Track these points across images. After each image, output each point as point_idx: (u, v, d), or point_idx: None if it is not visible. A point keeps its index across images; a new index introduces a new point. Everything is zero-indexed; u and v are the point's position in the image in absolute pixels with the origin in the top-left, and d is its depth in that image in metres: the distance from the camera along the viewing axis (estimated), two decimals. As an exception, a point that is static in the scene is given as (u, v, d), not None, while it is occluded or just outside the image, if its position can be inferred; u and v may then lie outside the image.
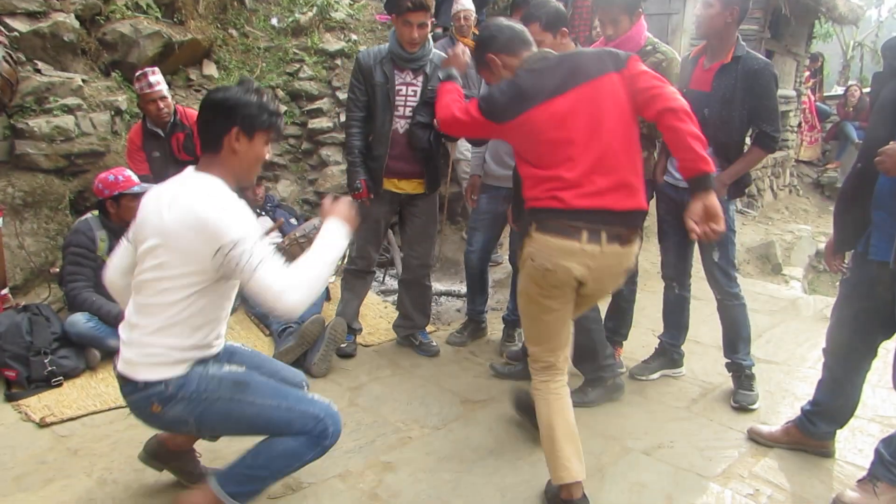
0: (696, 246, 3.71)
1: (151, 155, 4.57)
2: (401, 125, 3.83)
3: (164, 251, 2.18)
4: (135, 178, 3.98)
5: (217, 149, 2.26)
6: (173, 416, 2.29)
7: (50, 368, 3.63)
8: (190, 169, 2.30)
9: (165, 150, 4.58)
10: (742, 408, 3.55)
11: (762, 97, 3.33)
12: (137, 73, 4.45)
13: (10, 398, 3.51)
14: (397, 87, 3.79)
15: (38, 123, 4.35)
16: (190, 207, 2.14)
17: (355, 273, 4.14)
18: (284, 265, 2.17)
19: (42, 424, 3.26)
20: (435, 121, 3.78)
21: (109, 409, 3.43)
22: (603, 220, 2.43)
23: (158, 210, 2.20)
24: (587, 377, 3.58)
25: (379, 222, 4.01)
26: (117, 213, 3.95)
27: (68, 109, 4.52)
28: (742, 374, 3.64)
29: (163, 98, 4.45)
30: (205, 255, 2.14)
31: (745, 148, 3.49)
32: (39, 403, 3.45)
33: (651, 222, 3.43)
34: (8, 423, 3.30)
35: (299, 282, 2.16)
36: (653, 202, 3.63)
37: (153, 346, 2.24)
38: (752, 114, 3.37)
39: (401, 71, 3.80)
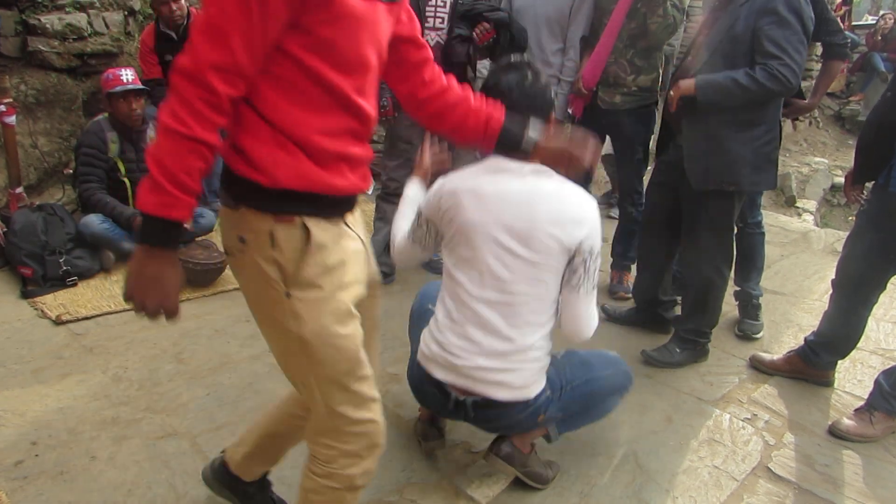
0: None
1: (164, 58, 4.51)
2: (430, 37, 3.73)
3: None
4: (126, 77, 3.92)
5: None
6: (548, 419, 2.22)
7: (65, 268, 3.68)
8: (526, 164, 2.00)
9: (178, 54, 4.50)
10: (746, 336, 3.59)
11: (822, 12, 3.29)
12: None
13: (26, 295, 3.58)
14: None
15: (51, 20, 4.27)
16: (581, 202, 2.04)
17: (386, 198, 3.95)
18: None
19: (58, 322, 3.33)
20: (474, 34, 3.69)
21: (124, 311, 3.49)
22: None
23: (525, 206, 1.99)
24: (683, 335, 3.29)
25: (411, 142, 3.85)
26: (112, 110, 3.96)
27: (81, 7, 4.44)
28: (749, 304, 3.66)
29: (175, 0, 4.35)
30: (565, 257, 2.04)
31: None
32: (55, 301, 3.51)
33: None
34: (25, 319, 3.37)
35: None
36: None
37: (538, 350, 2.10)
38: (816, 32, 3.24)
39: None
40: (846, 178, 3.05)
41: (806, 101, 3.42)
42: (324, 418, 1.55)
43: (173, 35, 4.46)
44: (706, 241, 3.12)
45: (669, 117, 3.13)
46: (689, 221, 3.16)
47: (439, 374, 2.15)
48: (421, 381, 2.24)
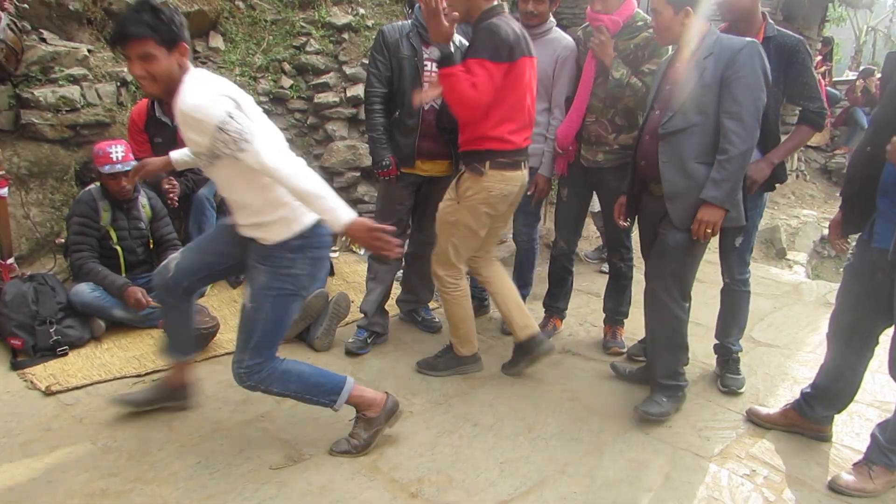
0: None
1: (153, 140, 4.43)
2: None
3: None
4: (115, 155, 3.87)
5: None
6: None
7: (55, 338, 3.65)
8: None
9: (167, 137, 4.33)
10: (731, 391, 3.57)
11: (801, 75, 3.27)
12: None
13: (15, 366, 3.54)
14: (424, 62, 3.76)
15: (44, 93, 4.34)
16: None
17: (378, 257, 3.88)
18: None
19: (47, 393, 3.29)
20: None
21: (114, 379, 3.46)
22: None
23: None
24: (662, 381, 3.28)
25: (403, 204, 3.87)
26: (103, 183, 3.97)
27: (74, 80, 4.51)
28: (729, 358, 3.67)
29: None
30: None
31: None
32: (45, 372, 3.48)
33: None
34: (14, 391, 3.33)
35: None
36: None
37: None
38: (793, 94, 3.31)
39: (426, 46, 3.76)
40: (830, 226, 3.09)
41: (762, 163, 3.35)
42: None
43: (168, 122, 4.36)
44: (673, 270, 3.15)
45: (643, 170, 3.20)
46: (660, 249, 3.18)
47: None
48: None
